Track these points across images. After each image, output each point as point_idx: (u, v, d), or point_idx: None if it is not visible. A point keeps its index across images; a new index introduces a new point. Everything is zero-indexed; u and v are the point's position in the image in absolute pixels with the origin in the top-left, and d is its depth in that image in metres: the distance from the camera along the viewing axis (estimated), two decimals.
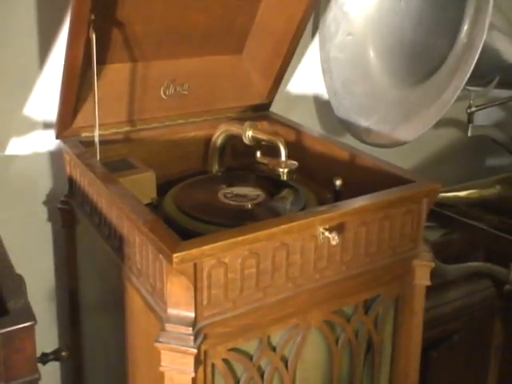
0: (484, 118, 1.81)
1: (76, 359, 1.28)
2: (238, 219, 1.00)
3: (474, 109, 1.61)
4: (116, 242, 0.96)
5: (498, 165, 1.98)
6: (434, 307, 1.42)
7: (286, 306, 0.90)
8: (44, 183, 1.27)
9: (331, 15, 1.45)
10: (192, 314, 0.80)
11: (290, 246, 0.87)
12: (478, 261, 1.49)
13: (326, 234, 0.89)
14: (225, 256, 0.80)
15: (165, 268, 0.80)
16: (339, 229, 0.90)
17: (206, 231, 0.94)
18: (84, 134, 1.15)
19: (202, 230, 0.95)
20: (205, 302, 0.81)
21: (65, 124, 1.14)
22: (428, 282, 1.05)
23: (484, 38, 1.19)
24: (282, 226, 0.85)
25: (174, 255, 0.75)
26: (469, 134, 1.67)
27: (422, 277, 1.04)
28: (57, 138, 1.16)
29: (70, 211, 1.18)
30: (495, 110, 1.81)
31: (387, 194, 0.97)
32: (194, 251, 0.77)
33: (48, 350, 1.06)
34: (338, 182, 1.06)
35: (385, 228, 0.98)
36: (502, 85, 1.59)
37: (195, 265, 0.78)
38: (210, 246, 0.78)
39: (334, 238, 0.88)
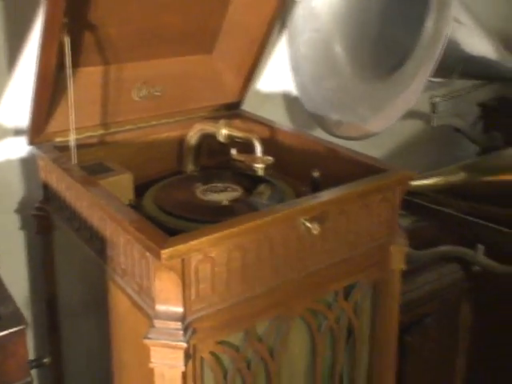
0: (448, 107, 1.87)
1: (56, 366, 1.28)
2: (218, 215, 1.01)
3: (437, 99, 1.67)
4: (98, 244, 0.97)
5: (461, 153, 2.04)
6: (406, 292, 1.45)
7: (271, 296, 0.92)
8: (15, 191, 1.26)
9: (298, 13, 1.47)
10: (181, 309, 0.81)
11: (273, 237, 0.89)
12: (446, 245, 1.53)
13: (308, 224, 0.91)
14: (211, 251, 0.82)
15: (152, 265, 0.81)
16: (320, 218, 0.93)
17: (187, 229, 0.95)
18: (57, 139, 1.15)
19: (183, 228, 0.96)
20: (193, 297, 0.82)
21: (38, 129, 1.13)
22: (404, 266, 1.09)
23: (448, 30, 1.23)
24: (266, 219, 0.87)
25: (163, 251, 0.76)
26: (433, 123, 1.73)
27: (398, 261, 1.08)
28: (29, 144, 1.15)
29: (45, 217, 1.18)
30: (456, 100, 1.86)
31: (364, 182, 1.00)
32: (182, 247, 0.78)
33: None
34: (316, 174, 1.08)
35: (362, 216, 1.01)
36: (463, 75, 1.64)
37: (183, 260, 0.79)
38: (197, 241, 0.79)
39: (315, 228, 0.90)
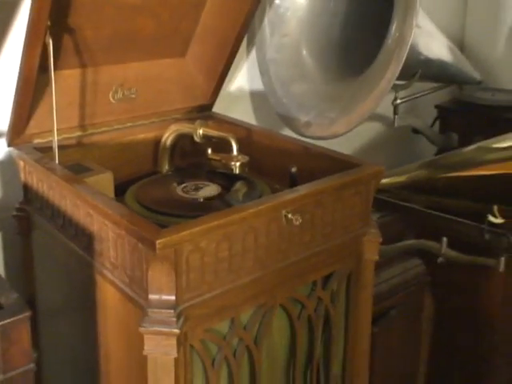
0: (407, 109, 1.95)
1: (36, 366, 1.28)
2: (197, 211, 1.05)
3: (399, 101, 1.74)
4: (84, 240, 0.99)
5: (420, 152, 2.13)
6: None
7: (255, 286, 0.96)
8: None
9: (267, 18, 1.53)
10: (173, 298, 0.85)
11: (257, 229, 0.94)
12: (411, 239, 1.61)
13: (289, 215, 0.96)
14: (201, 241, 0.86)
15: (145, 256, 0.84)
16: (299, 211, 0.98)
17: (169, 223, 0.98)
18: (36, 141, 1.17)
19: (165, 223, 0.99)
20: (184, 286, 0.86)
21: (18, 131, 1.15)
22: (376, 257, 1.15)
23: (413, 33, 1.30)
24: (251, 210, 0.91)
25: (157, 241, 0.80)
26: (395, 124, 1.80)
27: (371, 252, 1.14)
28: (9, 145, 1.17)
29: (26, 218, 1.19)
30: (415, 102, 1.94)
31: (340, 177, 1.06)
32: (175, 237, 0.82)
33: None
34: (294, 169, 1.13)
35: (338, 209, 1.06)
36: (422, 78, 1.72)
37: (175, 250, 0.83)
38: (189, 231, 0.83)
39: (297, 220, 0.95)
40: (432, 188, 1.56)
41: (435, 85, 1.94)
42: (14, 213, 1.20)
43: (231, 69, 1.43)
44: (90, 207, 0.95)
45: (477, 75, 1.95)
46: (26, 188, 1.17)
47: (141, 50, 1.29)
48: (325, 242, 1.06)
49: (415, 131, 2.03)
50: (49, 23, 1.01)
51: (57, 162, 1.09)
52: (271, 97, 1.55)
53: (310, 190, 1.01)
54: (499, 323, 1.65)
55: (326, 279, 1.10)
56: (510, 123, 1.87)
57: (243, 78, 1.61)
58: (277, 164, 1.26)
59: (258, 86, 1.60)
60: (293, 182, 1.12)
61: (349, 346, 1.18)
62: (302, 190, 1.01)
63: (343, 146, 1.64)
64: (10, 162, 1.22)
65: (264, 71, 1.57)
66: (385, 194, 1.57)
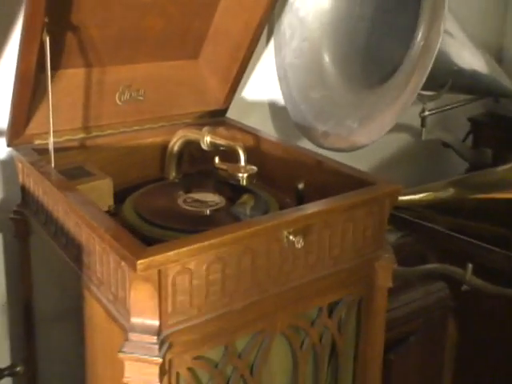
0: (437, 122, 1.85)
1: (30, 374, 1.23)
2: (199, 225, 0.98)
3: (427, 113, 1.64)
4: (74, 251, 0.93)
5: (449, 168, 2.02)
6: (390, 310, 1.42)
7: (252, 310, 0.88)
8: None
9: (286, 21, 1.45)
10: (157, 323, 0.77)
11: (255, 250, 0.86)
12: (433, 262, 1.51)
13: (291, 237, 0.88)
14: (190, 262, 0.78)
15: (128, 276, 0.78)
16: (304, 232, 0.90)
17: (167, 238, 0.92)
18: (37, 142, 1.12)
19: (163, 237, 0.94)
20: (169, 310, 0.78)
21: (17, 131, 1.10)
22: (390, 284, 1.06)
23: (440, 40, 1.21)
24: (248, 230, 0.83)
25: (139, 262, 0.73)
26: (423, 137, 1.70)
27: (384, 278, 1.05)
28: (8, 145, 1.12)
29: (23, 221, 1.14)
30: (446, 115, 1.84)
31: (350, 196, 0.97)
32: (159, 257, 0.74)
33: (1, 366, 1.01)
34: (301, 185, 1.05)
35: (348, 230, 0.98)
36: (453, 89, 1.62)
37: (159, 271, 0.76)
38: (175, 251, 0.76)
39: (298, 242, 0.87)
40: (458, 209, 1.46)
41: (468, 97, 1.84)
42: (12, 215, 1.15)
43: (247, 73, 1.36)
44: (78, 217, 0.89)
45: None
46: (24, 190, 1.12)
47: (150, 51, 1.23)
48: (333, 266, 0.98)
49: (445, 145, 1.93)
50: (46, 20, 0.96)
51: (53, 165, 1.03)
52: (288, 103, 1.48)
53: (315, 209, 0.92)
54: None
55: (333, 306, 1.01)
56: None
57: (261, 83, 1.54)
58: (288, 176, 1.18)
59: (276, 91, 1.52)
60: (299, 199, 1.04)
61: (358, 376, 1.09)
62: (308, 208, 0.92)
63: (363, 159, 1.56)
64: (12, 161, 1.17)
65: (282, 76, 1.49)
66: (406, 212, 1.48)
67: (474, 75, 1.66)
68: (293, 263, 0.92)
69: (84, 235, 0.89)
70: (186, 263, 0.78)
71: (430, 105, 1.66)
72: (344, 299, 1.02)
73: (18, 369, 1.20)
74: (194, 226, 0.98)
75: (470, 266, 1.35)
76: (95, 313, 0.88)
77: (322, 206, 0.94)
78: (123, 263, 0.77)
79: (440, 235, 1.48)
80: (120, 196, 1.10)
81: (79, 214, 0.87)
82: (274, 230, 0.87)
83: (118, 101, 1.22)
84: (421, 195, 1.50)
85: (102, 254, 0.84)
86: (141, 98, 1.24)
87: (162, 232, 0.96)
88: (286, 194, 1.12)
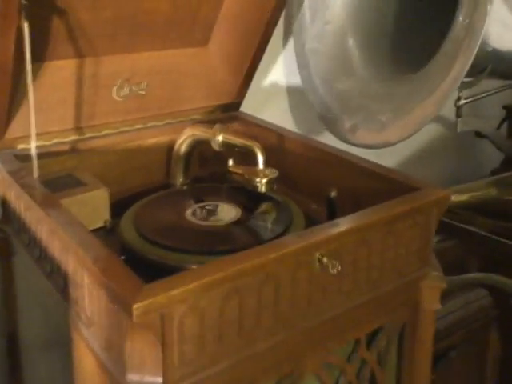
0: (471, 111, 1.68)
1: None
2: (212, 243, 0.83)
3: (463, 101, 1.47)
4: (60, 280, 0.77)
5: (483, 160, 1.85)
6: None
7: (277, 351, 0.72)
8: None
9: (306, 2, 1.28)
10: (159, 379, 0.62)
11: (279, 278, 0.70)
12: (473, 269, 1.36)
13: (325, 260, 0.72)
14: (199, 299, 0.63)
15: (123, 320, 0.62)
16: (337, 252, 0.74)
17: (174, 261, 0.78)
18: (20, 146, 0.97)
19: (169, 260, 0.79)
20: (176, 362, 0.62)
21: None
22: (438, 306, 0.90)
23: (486, 19, 1.04)
24: (272, 256, 0.67)
25: (135, 306, 0.57)
26: (458, 129, 1.54)
27: (431, 300, 0.89)
28: None
29: (4, 239, 0.98)
30: (480, 103, 1.66)
31: (392, 205, 0.81)
32: (161, 298, 0.59)
33: None
34: (333, 194, 0.89)
35: (389, 247, 0.82)
36: (490, 74, 1.45)
37: (162, 315, 0.60)
38: (182, 289, 0.60)
39: (334, 266, 0.71)
40: (501, 211, 1.29)
41: (504, 82, 1.66)
42: None
43: (264, 61, 1.19)
44: (61, 242, 0.73)
45: None
46: (5, 205, 0.96)
47: (152, 38, 1.07)
48: (371, 291, 0.82)
49: (479, 135, 1.76)
50: (24, 1, 0.80)
51: (36, 175, 0.87)
52: (311, 94, 1.31)
53: (353, 224, 0.76)
54: None
55: (373, 335, 0.85)
56: None
57: (279, 72, 1.38)
58: (313, 179, 1.03)
59: (296, 81, 1.35)
60: (331, 210, 0.88)
61: None
62: (343, 224, 0.76)
63: (391, 152, 1.40)
64: None
65: (303, 64, 1.32)
66: (446, 214, 1.31)
67: None
68: (324, 291, 0.76)
69: (71, 263, 0.73)
70: (196, 302, 0.62)
71: (466, 93, 1.49)
72: (385, 327, 0.86)
73: None
74: (206, 244, 0.82)
75: None
76: (85, 359, 0.72)
77: (359, 220, 0.78)
78: (117, 305, 0.62)
79: (482, 239, 1.31)
80: (118, 207, 0.94)
81: (63, 238, 0.71)
82: (302, 254, 0.71)
83: (115, 96, 1.06)
84: (459, 195, 1.33)
85: (91, 288, 0.68)
86: (142, 92, 1.08)
87: (167, 254, 0.80)
88: (312, 199, 0.96)
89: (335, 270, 0.72)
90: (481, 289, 1.39)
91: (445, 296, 1.33)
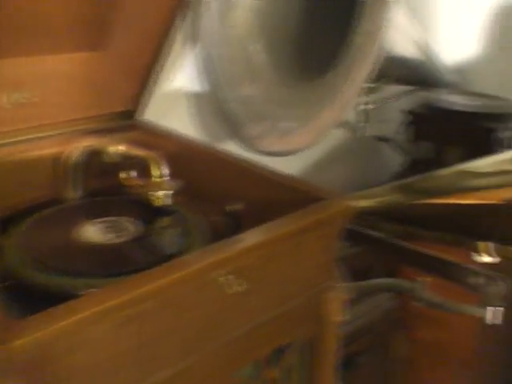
0: (375, 116, 1.69)
1: None
2: (108, 264, 0.76)
3: (370, 106, 1.48)
4: None
5: (388, 164, 1.88)
6: None
7: (180, 379, 0.67)
8: None
9: (209, 4, 1.24)
10: None
11: (179, 301, 0.65)
12: (381, 274, 1.35)
13: (227, 279, 0.68)
14: (88, 332, 0.56)
15: None
16: (241, 269, 0.69)
17: (65, 286, 0.71)
18: None
19: (60, 286, 0.71)
20: None
21: None
22: (341, 318, 0.88)
23: (384, 26, 1.04)
24: (169, 278, 0.62)
25: (6, 346, 0.50)
26: (360, 133, 1.55)
27: (335, 313, 0.87)
28: None
29: None
30: (383, 108, 1.68)
31: (297, 217, 0.77)
32: (39, 335, 0.52)
33: None
34: (237, 206, 0.84)
35: (296, 260, 0.79)
36: (394, 80, 1.48)
37: (42, 354, 0.53)
38: (68, 320, 0.53)
39: (240, 284, 0.67)
40: (405, 216, 1.30)
41: (404, 88, 1.69)
42: None
43: (166, 66, 1.14)
44: None
45: (453, 77, 1.73)
46: None
47: (42, 42, 0.98)
48: (278, 306, 0.78)
49: (381, 139, 1.79)
50: None
51: None
52: (216, 101, 1.27)
53: (258, 238, 0.72)
54: (476, 361, 1.49)
55: (278, 352, 0.82)
56: (489, 132, 1.65)
57: (184, 78, 1.32)
58: (219, 189, 0.98)
59: (202, 87, 1.30)
60: (235, 224, 0.83)
61: None
62: (248, 239, 0.72)
63: (297, 158, 1.37)
64: None
65: (208, 69, 1.27)
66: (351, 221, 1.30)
67: (409, 65, 1.53)
68: (231, 310, 0.71)
69: None
70: (83, 335, 0.56)
71: (371, 97, 1.50)
72: (292, 343, 0.83)
73: None
74: (101, 267, 0.76)
75: (423, 281, 1.18)
76: None
77: (264, 234, 0.74)
78: None
79: (388, 245, 1.31)
80: (4, 227, 0.86)
81: None
82: (202, 274, 0.66)
83: (4, 104, 0.97)
84: (367, 201, 1.33)
85: None
86: (26, 100, 1.00)
87: (58, 279, 0.73)
88: (219, 210, 0.92)
89: (240, 288, 0.67)
90: (386, 293, 1.40)
91: (352, 302, 1.34)
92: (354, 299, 1.35)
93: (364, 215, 1.36)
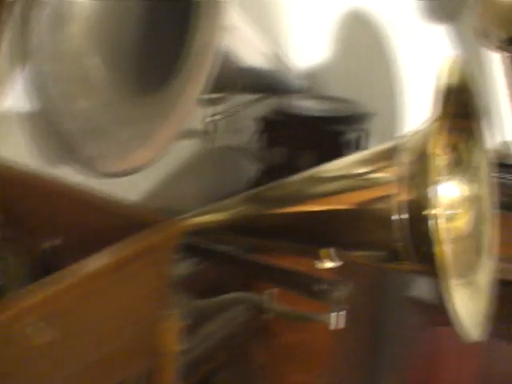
0: (225, 125, 1.69)
1: None
2: None
3: (217, 117, 1.47)
4: None
5: (242, 173, 1.89)
6: (188, 352, 1.22)
7: None
8: None
9: (39, 16, 1.16)
10: None
11: None
12: (233, 288, 1.34)
13: (40, 325, 0.63)
14: None
15: None
16: (52, 315, 0.65)
17: None
18: None
19: None
20: None
21: None
22: (179, 347, 0.86)
23: (221, 38, 1.03)
24: None
25: None
26: (210, 144, 1.53)
27: (171, 343, 0.84)
28: None
29: None
30: (234, 117, 1.68)
31: (121, 247, 0.74)
32: None
33: None
34: (48, 245, 0.79)
35: (121, 295, 0.75)
36: (242, 89, 1.48)
37: None
38: None
39: (49, 332, 0.62)
40: (255, 227, 1.29)
41: (256, 96, 1.70)
42: None
43: None
44: None
45: (304, 82, 1.76)
46: None
47: None
48: (107, 345, 0.74)
49: (233, 149, 1.79)
50: None
51: None
52: (47, 120, 1.20)
53: (75, 278, 0.68)
54: (329, 358, 1.55)
55: None
56: (337, 135, 1.70)
57: (13, 97, 1.23)
58: (45, 218, 0.92)
59: (33, 107, 1.22)
60: (47, 264, 0.78)
61: None
62: (61, 280, 0.67)
63: (145, 175, 1.33)
64: None
65: (38, 86, 1.20)
66: (197, 236, 1.27)
67: (257, 73, 1.54)
68: (48, 359, 0.66)
69: None
70: None
71: (217, 108, 1.49)
72: (125, 381, 0.79)
73: None
74: None
75: (270, 292, 1.19)
76: None
77: (80, 272, 0.70)
78: None
79: (234, 259, 1.30)
80: None
81: None
82: (9, 324, 0.61)
83: None
84: (210, 216, 1.31)
85: None
86: None
87: None
88: (40, 247, 0.86)
89: (50, 337, 0.63)
90: (239, 306, 1.38)
91: (202, 320, 1.32)
92: (205, 316, 1.33)
93: (215, 229, 1.34)
